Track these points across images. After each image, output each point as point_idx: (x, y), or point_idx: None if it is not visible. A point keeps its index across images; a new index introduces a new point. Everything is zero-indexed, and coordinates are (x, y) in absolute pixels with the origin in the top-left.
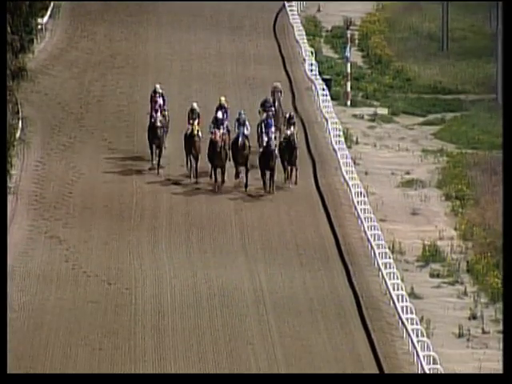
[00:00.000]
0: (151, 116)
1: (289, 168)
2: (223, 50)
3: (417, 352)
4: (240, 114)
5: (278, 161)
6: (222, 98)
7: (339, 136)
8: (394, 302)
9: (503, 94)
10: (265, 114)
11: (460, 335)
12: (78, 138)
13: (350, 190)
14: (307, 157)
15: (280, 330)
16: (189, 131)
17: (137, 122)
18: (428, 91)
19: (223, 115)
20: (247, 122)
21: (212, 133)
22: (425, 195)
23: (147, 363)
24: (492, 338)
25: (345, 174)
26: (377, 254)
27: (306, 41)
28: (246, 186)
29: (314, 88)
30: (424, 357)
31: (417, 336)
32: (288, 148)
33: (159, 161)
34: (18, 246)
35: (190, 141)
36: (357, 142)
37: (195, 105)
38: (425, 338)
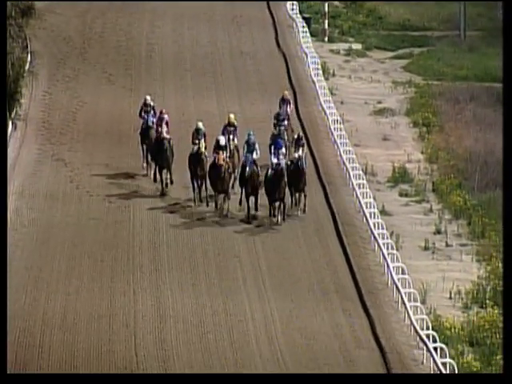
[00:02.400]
0: (156, 131)
1: (296, 194)
2: None
3: (387, 263)
4: (249, 135)
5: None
6: (232, 116)
7: (317, 69)
8: (366, 219)
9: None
10: (277, 129)
11: (426, 248)
12: (81, 71)
13: (327, 117)
14: (289, 87)
15: (264, 244)
16: (194, 150)
17: (134, 55)
18: (398, 28)
19: (233, 133)
20: (257, 145)
21: (216, 153)
22: (395, 122)
23: (144, 274)
24: (455, 251)
25: (322, 103)
26: (351, 176)
27: None
28: (257, 209)
29: (294, 26)
30: (394, 268)
31: (387, 249)
32: (296, 172)
33: (171, 178)
34: (27, 168)
35: (196, 159)
36: (333, 75)
37: (200, 124)
38: (394, 251)
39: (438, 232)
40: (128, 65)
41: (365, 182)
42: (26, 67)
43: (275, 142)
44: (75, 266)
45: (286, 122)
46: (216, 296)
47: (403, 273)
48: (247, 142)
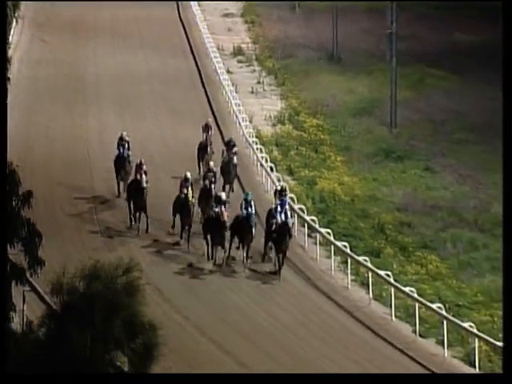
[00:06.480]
0: (135, 179)
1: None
2: None
3: (230, 101)
4: (247, 194)
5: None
6: (212, 163)
7: None
8: (219, 76)
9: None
10: (226, 155)
11: (252, 92)
12: None
13: (196, 17)
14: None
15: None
16: (182, 195)
17: None
18: None
19: (212, 179)
20: (253, 202)
21: (218, 208)
22: (235, 21)
23: (108, 103)
24: (268, 93)
25: (194, 10)
26: (210, 52)
27: None
28: (247, 259)
29: None
30: (235, 103)
31: (231, 92)
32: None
33: (147, 222)
34: (24, 45)
35: (184, 207)
36: None
37: (189, 174)
38: (234, 94)
39: (259, 83)
40: None
41: (218, 54)
42: None
43: (281, 201)
44: (55, 104)
45: (236, 149)
46: None
47: (240, 106)
48: (245, 200)
